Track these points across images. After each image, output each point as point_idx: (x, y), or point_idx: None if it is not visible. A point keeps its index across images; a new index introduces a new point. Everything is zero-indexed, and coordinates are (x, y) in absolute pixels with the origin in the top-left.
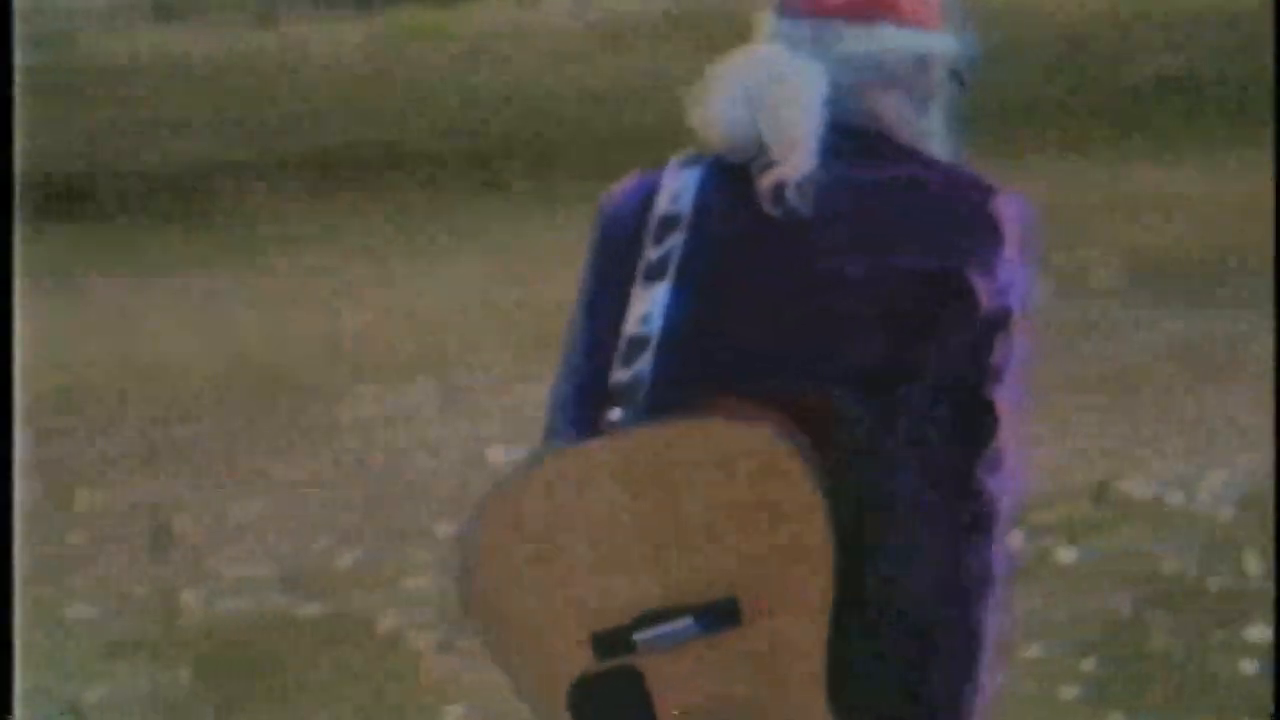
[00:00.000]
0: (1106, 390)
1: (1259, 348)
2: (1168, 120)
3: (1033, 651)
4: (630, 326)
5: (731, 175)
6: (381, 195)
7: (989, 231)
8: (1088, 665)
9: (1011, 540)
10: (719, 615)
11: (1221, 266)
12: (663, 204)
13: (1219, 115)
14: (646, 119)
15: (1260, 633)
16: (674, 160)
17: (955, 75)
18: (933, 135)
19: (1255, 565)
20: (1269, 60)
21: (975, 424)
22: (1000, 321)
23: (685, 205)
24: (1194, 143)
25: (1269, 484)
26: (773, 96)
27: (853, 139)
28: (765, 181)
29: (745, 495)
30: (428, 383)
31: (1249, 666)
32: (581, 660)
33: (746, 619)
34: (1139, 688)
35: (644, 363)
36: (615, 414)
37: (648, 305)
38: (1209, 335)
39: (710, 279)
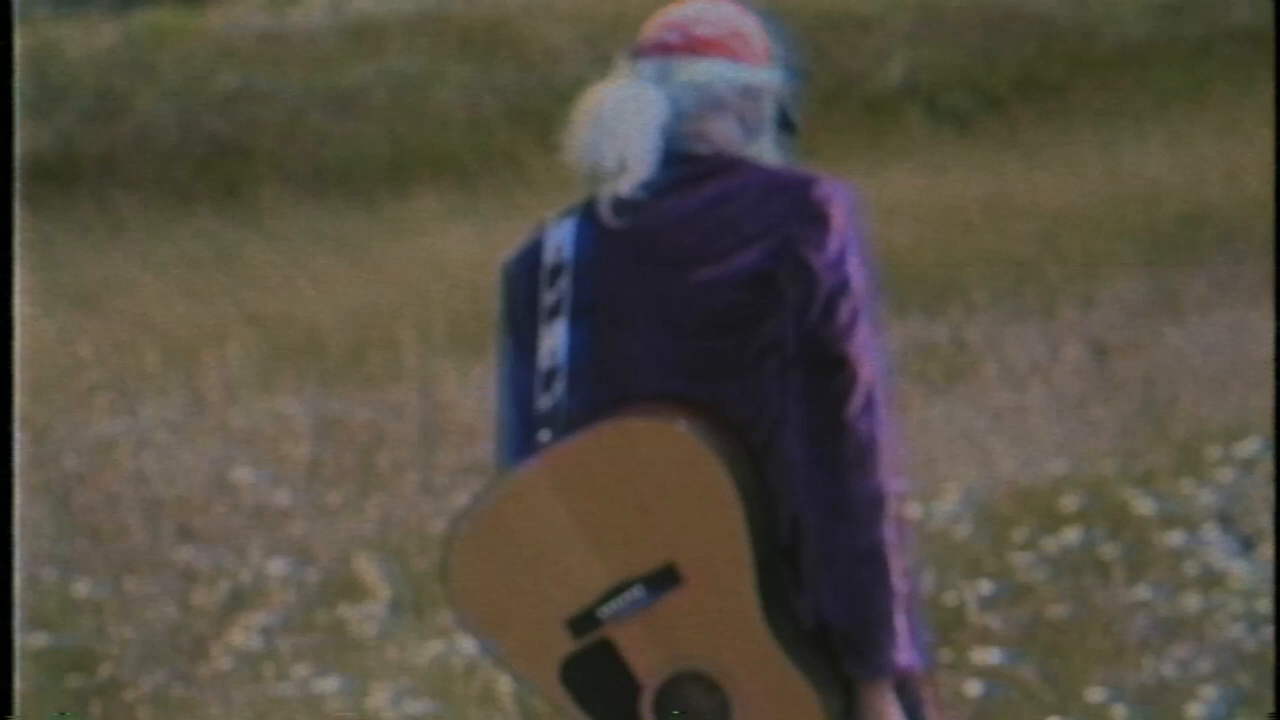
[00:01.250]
0: None
1: (992, 355)
2: (914, 124)
3: None
4: (543, 361)
5: (599, 223)
6: (122, 200)
7: (813, 215)
8: None
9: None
10: (662, 580)
11: (957, 272)
12: (549, 256)
13: (960, 120)
14: (398, 122)
15: (987, 655)
16: (550, 217)
17: (784, 119)
18: (763, 157)
19: (987, 585)
20: (1015, 62)
21: (834, 376)
22: (841, 288)
23: (567, 254)
24: (935, 148)
25: (999, 498)
26: (616, 118)
27: (691, 164)
28: (604, 196)
29: (660, 477)
30: (171, 398)
31: (975, 688)
32: (563, 643)
33: (686, 579)
34: None
35: (559, 389)
36: (544, 435)
37: (553, 341)
38: (943, 342)
39: (597, 311)
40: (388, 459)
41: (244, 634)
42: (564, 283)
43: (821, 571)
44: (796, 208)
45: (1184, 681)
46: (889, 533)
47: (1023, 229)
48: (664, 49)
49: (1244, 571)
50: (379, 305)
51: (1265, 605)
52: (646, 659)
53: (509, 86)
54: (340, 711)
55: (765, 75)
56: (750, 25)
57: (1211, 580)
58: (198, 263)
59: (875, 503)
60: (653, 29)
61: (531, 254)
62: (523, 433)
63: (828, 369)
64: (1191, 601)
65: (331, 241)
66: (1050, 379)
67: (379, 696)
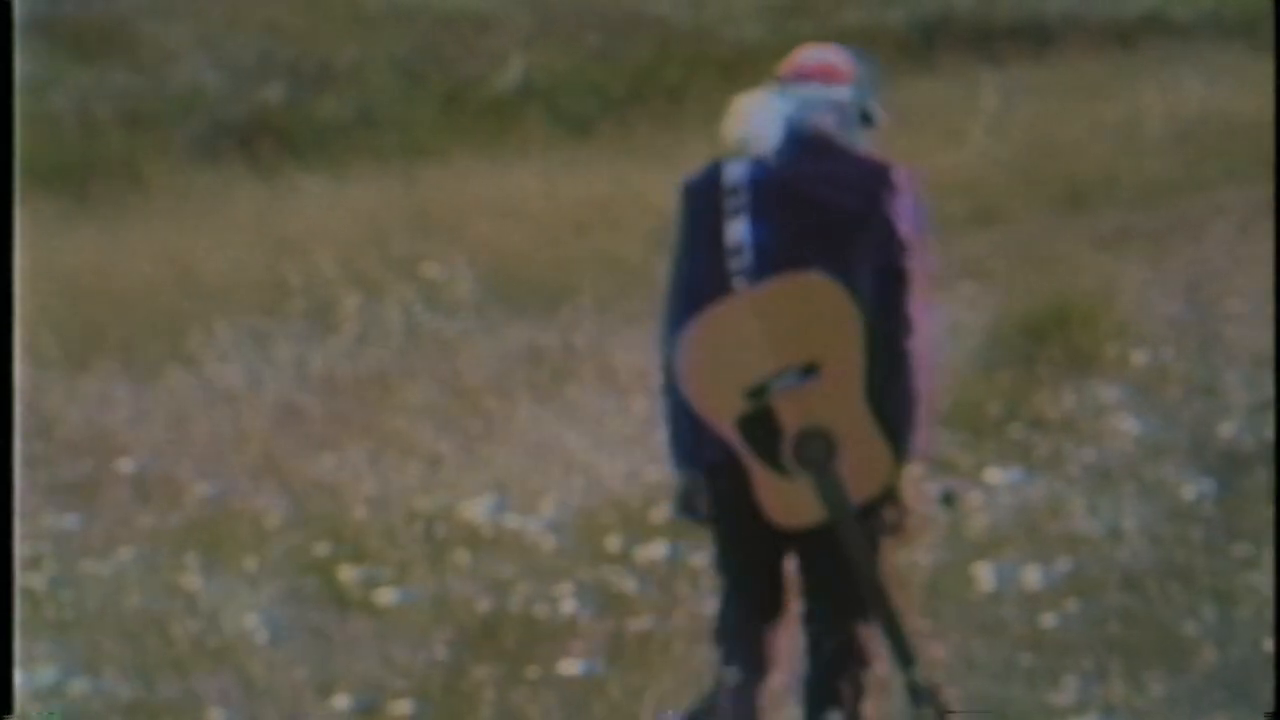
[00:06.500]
0: (451, 407)
1: (597, 361)
2: (533, 126)
3: (341, 703)
4: (730, 240)
5: (764, 165)
6: None
7: (891, 186)
8: (400, 707)
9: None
10: (808, 372)
11: (569, 275)
12: (729, 180)
13: (579, 123)
14: None
15: (570, 665)
16: (728, 159)
17: (865, 116)
18: (855, 140)
19: (570, 603)
20: (633, 65)
21: (899, 281)
22: (908, 235)
23: (744, 180)
24: (553, 150)
25: (595, 506)
26: (756, 115)
27: (812, 142)
28: (758, 155)
29: (815, 309)
30: None
31: (550, 697)
32: (741, 404)
33: (823, 374)
34: None
35: (748, 257)
36: (738, 282)
37: (738, 230)
38: (554, 346)
39: (766, 216)
40: None
41: None
42: (743, 197)
43: (886, 388)
44: (881, 180)
45: None
46: (923, 379)
47: (634, 231)
48: (797, 77)
49: None
50: None
51: None
52: (791, 418)
53: (123, 90)
54: None
55: (852, 93)
56: (841, 61)
57: None
58: None
59: (916, 358)
60: (786, 66)
61: (712, 177)
62: (701, 293)
63: (896, 276)
64: None
65: None
66: (654, 385)
67: None
